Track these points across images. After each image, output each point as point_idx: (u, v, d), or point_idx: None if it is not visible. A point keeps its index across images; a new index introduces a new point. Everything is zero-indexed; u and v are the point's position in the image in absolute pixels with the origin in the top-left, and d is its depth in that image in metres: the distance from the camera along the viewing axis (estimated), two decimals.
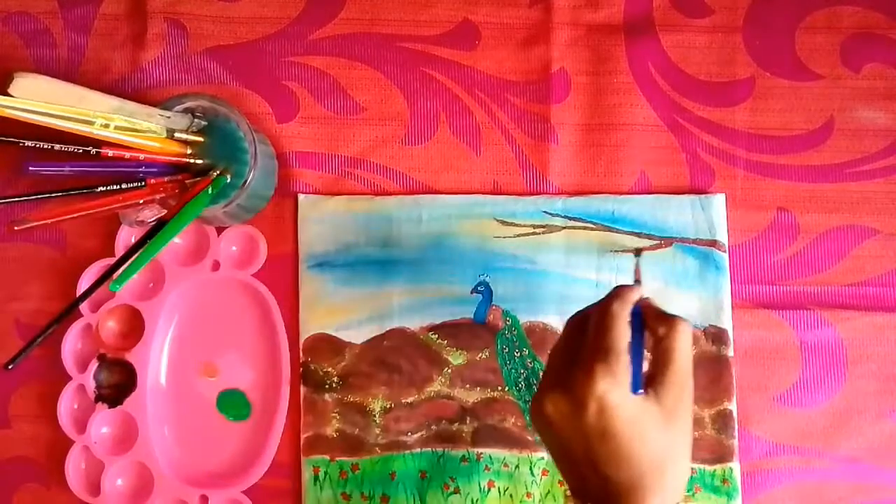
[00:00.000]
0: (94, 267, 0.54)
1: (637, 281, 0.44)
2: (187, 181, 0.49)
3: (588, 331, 0.39)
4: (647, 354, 0.40)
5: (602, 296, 0.53)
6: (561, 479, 0.53)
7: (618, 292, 0.40)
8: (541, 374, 0.54)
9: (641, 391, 0.37)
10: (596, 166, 0.56)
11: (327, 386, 0.54)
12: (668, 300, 0.54)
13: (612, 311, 0.38)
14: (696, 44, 0.56)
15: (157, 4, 0.56)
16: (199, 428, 0.55)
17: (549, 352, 0.42)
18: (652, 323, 0.39)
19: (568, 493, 0.40)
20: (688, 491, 0.53)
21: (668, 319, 0.39)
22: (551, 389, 0.38)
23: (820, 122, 0.56)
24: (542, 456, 0.54)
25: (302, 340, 0.55)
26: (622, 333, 0.38)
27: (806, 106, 0.56)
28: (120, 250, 0.55)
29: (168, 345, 0.55)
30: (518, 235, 0.55)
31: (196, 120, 0.49)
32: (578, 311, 0.42)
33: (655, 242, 0.55)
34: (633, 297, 0.40)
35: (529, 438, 0.54)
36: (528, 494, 0.54)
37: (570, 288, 0.54)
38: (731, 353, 0.54)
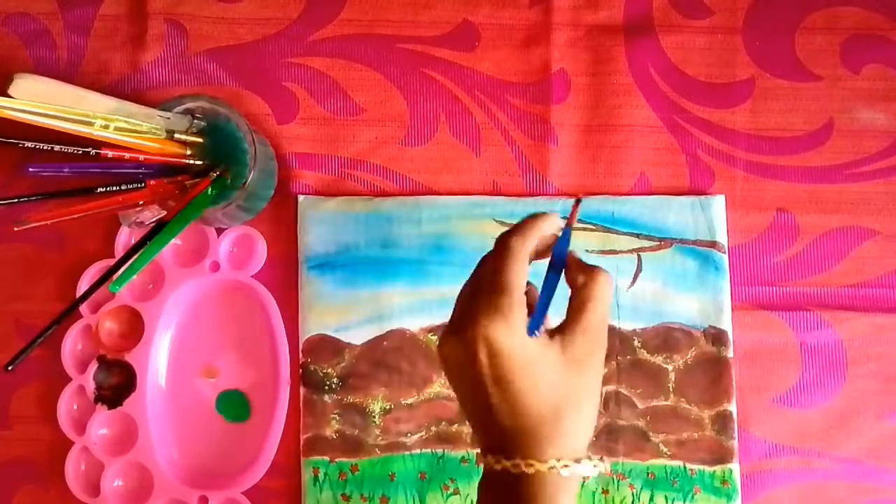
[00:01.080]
0: (93, 268, 0.54)
1: (568, 226, 0.40)
2: (187, 182, 0.49)
3: (484, 271, 0.37)
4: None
5: None
6: None
7: (518, 226, 0.37)
8: None
9: (538, 333, 0.35)
10: (596, 167, 0.56)
11: (327, 387, 0.54)
12: (668, 301, 0.54)
13: (510, 245, 0.36)
14: (695, 45, 0.56)
15: (156, 5, 0.56)
16: (199, 429, 0.55)
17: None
18: (572, 272, 0.38)
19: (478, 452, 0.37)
20: (687, 492, 0.53)
21: (589, 269, 0.37)
22: (448, 334, 0.36)
23: (820, 123, 0.56)
24: None
25: (301, 341, 0.55)
26: (518, 270, 0.35)
27: (806, 107, 0.56)
28: (120, 251, 0.55)
29: (168, 346, 0.55)
30: None
31: (196, 121, 0.49)
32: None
33: (655, 244, 0.55)
34: (536, 231, 0.37)
35: None
36: None
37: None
38: (730, 354, 0.54)
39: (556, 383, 0.35)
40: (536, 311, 0.36)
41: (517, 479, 0.34)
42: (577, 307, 0.37)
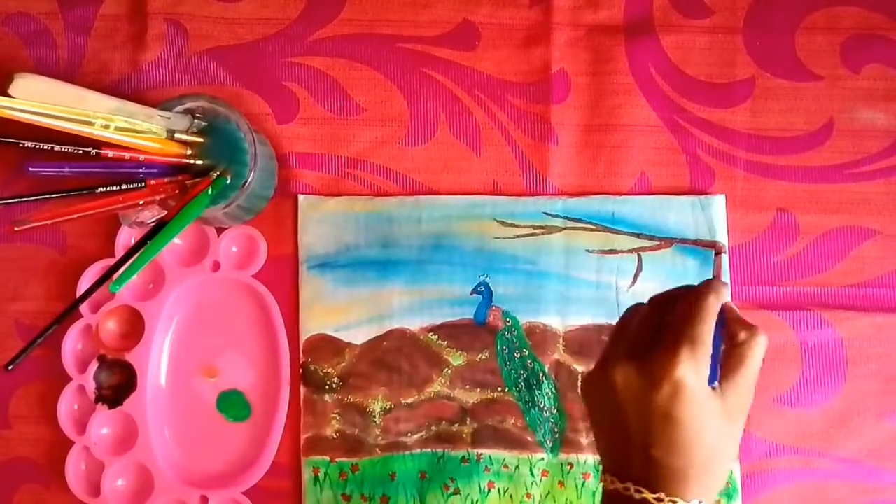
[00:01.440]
0: (94, 268, 0.54)
1: (716, 277, 0.44)
2: (187, 182, 0.49)
3: (677, 315, 0.39)
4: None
5: (603, 297, 0.54)
6: (561, 479, 0.54)
7: (715, 287, 0.40)
8: (546, 368, 0.54)
9: (716, 384, 0.38)
10: (596, 167, 0.56)
11: (327, 387, 0.54)
12: None
13: (708, 303, 0.39)
14: (696, 44, 0.56)
15: (157, 5, 0.56)
16: (199, 429, 0.55)
17: (617, 321, 0.42)
18: (734, 326, 0.40)
19: (600, 467, 0.40)
20: None
21: (751, 327, 0.40)
22: (626, 360, 0.38)
23: (820, 123, 0.56)
24: (542, 457, 0.54)
25: (302, 341, 0.55)
26: (711, 327, 0.38)
27: (806, 107, 0.56)
28: (120, 251, 0.55)
29: (168, 345, 0.55)
30: (518, 236, 0.55)
31: (196, 120, 0.49)
32: (665, 291, 0.42)
33: (655, 243, 0.55)
34: (726, 295, 0.40)
35: (529, 439, 0.54)
36: (528, 495, 0.54)
37: (570, 289, 0.54)
38: None
39: (714, 431, 0.37)
40: (712, 365, 0.38)
41: None
42: (736, 362, 0.39)
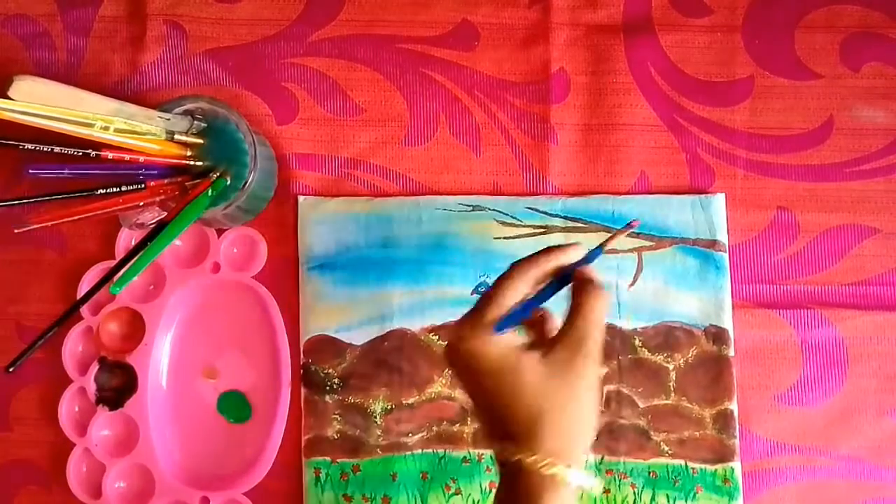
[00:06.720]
0: (94, 269, 0.54)
1: (600, 246, 0.43)
2: (187, 183, 0.49)
3: None
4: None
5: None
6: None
7: (533, 254, 0.42)
8: None
9: (506, 331, 0.39)
10: (596, 166, 0.56)
11: (328, 387, 0.54)
12: (669, 300, 0.54)
13: (512, 267, 0.41)
14: (695, 43, 0.56)
15: (156, 6, 0.56)
16: (200, 430, 0.55)
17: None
18: (577, 285, 0.41)
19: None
20: (689, 491, 0.53)
21: (591, 287, 0.41)
22: (452, 340, 0.41)
23: (819, 122, 0.56)
24: None
25: (302, 342, 0.55)
26: (509, 290, 0.40)
27: (805, 105, 0.56)
28: (120, 253, 0.55)
29: (169, 347, 0.55)
30: (518, 236, 0.55)
31: (196, 122, 0.49)
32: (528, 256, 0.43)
33: (655, 242, 0.55)
34: (545, 260, 0.41)
35: None
36: None
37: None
38: (731, 352, 0.54)
39: (539, 385, 0.39)
40: (512, 314, 0.40)
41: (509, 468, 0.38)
42: (569, 315, 0.41)
